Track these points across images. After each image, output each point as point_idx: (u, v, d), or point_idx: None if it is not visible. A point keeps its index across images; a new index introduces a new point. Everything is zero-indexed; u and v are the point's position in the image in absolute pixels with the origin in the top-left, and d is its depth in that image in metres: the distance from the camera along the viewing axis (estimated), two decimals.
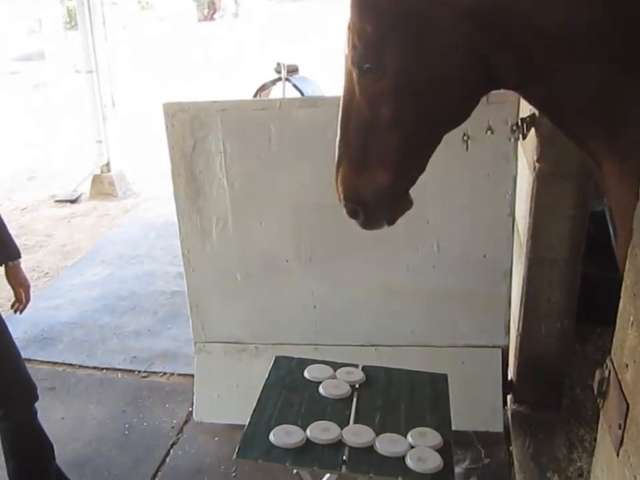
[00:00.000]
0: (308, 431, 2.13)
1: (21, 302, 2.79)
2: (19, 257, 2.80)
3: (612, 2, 1.41)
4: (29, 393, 2.75)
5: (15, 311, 2.81)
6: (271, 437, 2.11)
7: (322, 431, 2.13)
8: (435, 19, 1.54)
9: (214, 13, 25.38)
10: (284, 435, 2.11)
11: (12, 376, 2.71)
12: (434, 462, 2.02)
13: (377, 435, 2.14)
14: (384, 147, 1.71)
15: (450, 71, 1.60)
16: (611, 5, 1.40)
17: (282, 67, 6.78)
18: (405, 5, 1.55)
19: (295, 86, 6.80)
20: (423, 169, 1.78)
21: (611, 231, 2.91)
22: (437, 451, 2.08)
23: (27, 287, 2.81)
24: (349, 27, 1.64)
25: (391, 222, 1.89)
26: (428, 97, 1.64)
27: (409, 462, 2.01)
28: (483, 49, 1.56)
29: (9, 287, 2.74)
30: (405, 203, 1.85)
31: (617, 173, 1.38)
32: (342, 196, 1.82)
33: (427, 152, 1.76)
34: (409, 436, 2.13)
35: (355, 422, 2.23)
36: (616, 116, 1.45)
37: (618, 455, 1.16)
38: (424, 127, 1.71)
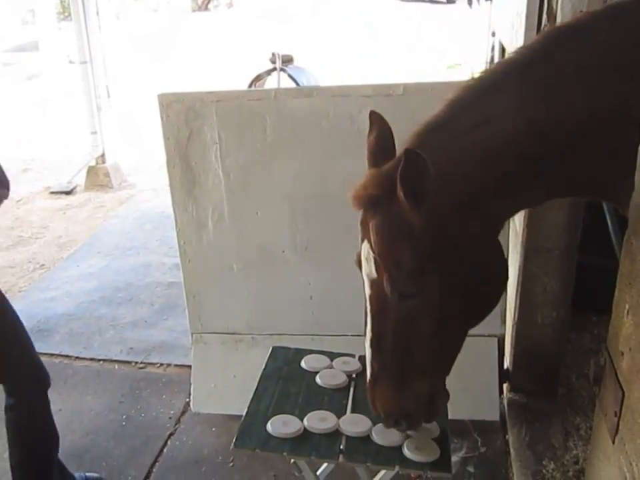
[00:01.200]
0: (305, 421, 2.13)
1: None
2: None
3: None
4: (42, 379, 2.76)
5: None
6: (269, 427, 2.11)
7: (319, 421, 2.14)
8: (465, 221, 1.57)
9: (208, 3, 25.24)
10: (281, 425, 2.12)
11: (25, 362, 2.71)
12: (431, 451, 2.02)
13: (374, 424, 2.14)
14: (422, 358, 1.70)
15: (483, 257, 1.63)
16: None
17: (277, 57, 6.77)
18: (439, 223, 1.55)
19: (290, 76, 6.79)
20: (455, 358, 1.79)
21: (609, 222, 2.92)
22: (433, 440, 2.08)
23: None
24: (379, 255, 1.60)
25: (434, 417, 1.91)
26: (470, 298, 1.65)
27: (406, 451, 2.02)
28: (504, 209, 1.66)
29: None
30: (445, 397, 1.87)
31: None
32: (382, 412, 1.81)
33: (462, 343, 1.78)
34: None
35: (352, 411, 2.23)
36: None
37: (614, 443, 1.17)
38: (462, 325, 1.73)
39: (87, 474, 3.04)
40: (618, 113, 1.48)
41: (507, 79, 1.56)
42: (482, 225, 1.60)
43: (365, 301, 1.71)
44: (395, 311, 1.63)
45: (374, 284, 1.65)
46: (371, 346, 1.72)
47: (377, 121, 1.75)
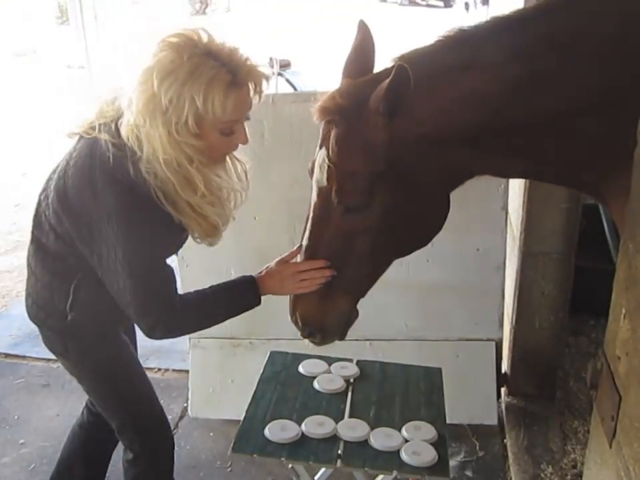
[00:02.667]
0: (303, 426, 2.13)
1: None
2: None
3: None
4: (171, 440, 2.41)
5: None
6: (266, 432, 2.11)
7: (317, 426, 2.13)
8: (426, 155, 1.57)
9: (206, 7, 25.29)
10: (279, 430, 2.12)
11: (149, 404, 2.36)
12: (429, 455, 2.02)
13: (372, 429, 2.14)
14: (351, 275, 1.75)
15: (434, 198, 1.67)
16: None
17: (274, 61, 6.77)
18: (398, 147, 1.56)
19: (287, 80, 6.80)
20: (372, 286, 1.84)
21: (605, 226, 2.93)
22: (431, 444, 2.08)
23: None
24: (333, 164, 1.63)
25: (343, 338, 1.94)
26: (409, 229, 1.70)
27: (404, 456, 2.02)
28: (466, 161, 1.62)
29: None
30: (355, 317, 1.90)
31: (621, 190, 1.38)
32: (300, 321, 1.86)
33: (383, 272, 1.84)
34: (403, 430, 2.14)
35: (350, 416, 2.23)
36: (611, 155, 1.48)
37: (611, 447, 1.17)
38: (393, 254, 1.78)
39: None
40: (604, 101, 1.46)
41: (495, 32, 1.54)
42: (440, 167, 1.61)
43: (309, 208, 1.75)
44: (336, 223, 1.67)
45: (322, 192, 1.69)
46: (305, 254, 1.78)
47: (362, 31, 1.75)
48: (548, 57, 1.47)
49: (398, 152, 1.57)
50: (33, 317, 2.20)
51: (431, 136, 1.56)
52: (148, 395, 2.32)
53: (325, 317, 1.83)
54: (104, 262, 1.86)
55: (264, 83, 1.83)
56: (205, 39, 1.73)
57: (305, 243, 1.80)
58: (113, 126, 1.85)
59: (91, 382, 2.27)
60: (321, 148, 1.71)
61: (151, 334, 1.96)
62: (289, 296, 1.95)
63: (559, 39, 1.47)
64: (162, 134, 1.71)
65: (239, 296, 2.09)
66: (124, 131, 1.79)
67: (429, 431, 2.14)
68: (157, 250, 1.90)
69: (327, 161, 1.65)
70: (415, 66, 1.49)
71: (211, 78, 1.67)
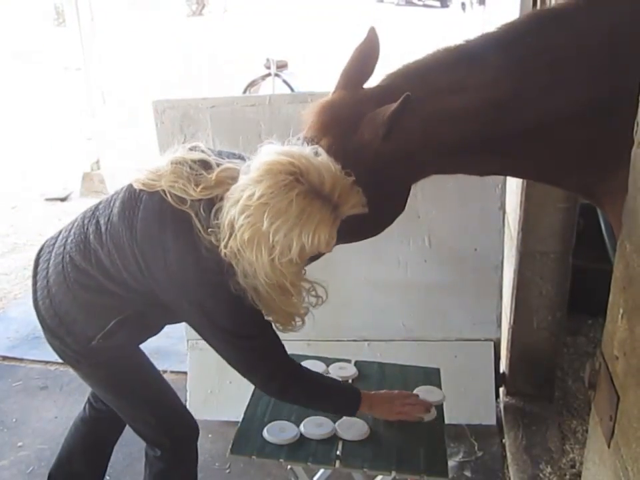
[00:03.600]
0: (302, 427, 2.13)
1: None
2: None
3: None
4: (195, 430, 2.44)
5: None
6: (265, 433, 2.11)
7: (316, 427, 2.13)
8: (404, 166, 1.69)
9: (203, 8, 25.28)
10: (278, 431, 2.12)
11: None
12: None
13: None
14: None
15: (398, 193, 1.78)
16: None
17: (271, 62, 6.77)
18: (384, 162, 1.66)
19: (284, 81, 6.79)
20: None
21: (602, 226, 2.93)
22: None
23: None
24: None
25: None
26: (370, 217, 1.74)
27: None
28: (450, 169, 1.78)
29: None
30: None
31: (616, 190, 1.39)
32: None
33: None
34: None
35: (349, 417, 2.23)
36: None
37: (609, 447, 1.17)
38: (352, 239, 1.92)
39: None
40: (592, 111, 1.49)
41: (484, 51, 1.59)
42: (416, 172, 1.73)
43: None
44: None
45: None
46: None
47: (370, 38, 1.81)
48: (536, 73, 1.52)
49: (380, 166, 1.67)
50: (50, 325, 2.12)
51: (417, 152, 1.65)
52: (167, 392, 2.38)
53: None
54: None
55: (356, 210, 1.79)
56: (314, 175, 1.69)
57: None
58: (205, 209, 1.83)
59: (105, 391, 2.31)
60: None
61: (272, 392, 2.11)
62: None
63: (547, 54, 1.52)
64: (265, 262, 1.73)
65: (344, 398, 2.14)
66: (222, 244, 1.77)
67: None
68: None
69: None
70: (403, 82, 1.62)
71: (319, 221, 1.68)
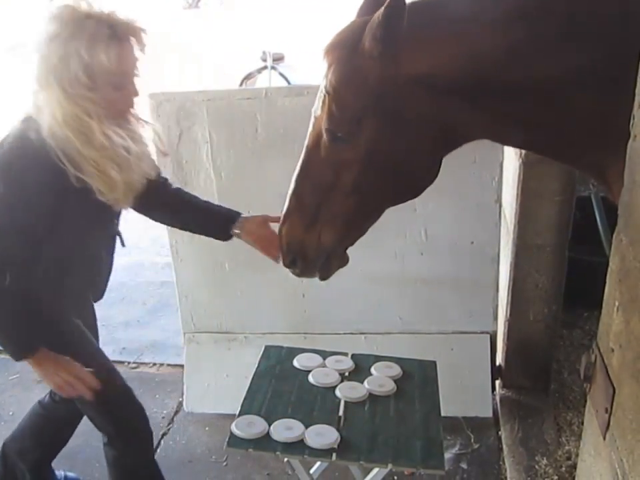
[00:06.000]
0: (271, 427, 2.11)
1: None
2: (239, 213, 2.45)
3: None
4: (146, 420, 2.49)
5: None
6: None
7: (284, 429, 2.11)
8: (417, 97, 1.56)
9: (199, 1, 25.19)
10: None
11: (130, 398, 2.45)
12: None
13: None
14: (336, 210, 1.75)
15: (419, 146, 1.64)
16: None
17: (268, 55, 6.75)
18: (390, 83, 1.56)
19: (281, 74, 6.76)
20: (364, 234, 1.85)
21: (598, 218, 2.92)
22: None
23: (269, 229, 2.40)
24: (328, 92, 1.64)
25: (325, 277, 1.96)
26: (392, 171, 1.68)
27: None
28: (463, 119, 1.59)
29: None
30: (341, 261, 1.92)
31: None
32: (284, 245, 1.87)
33: (374, 219, 1.83)
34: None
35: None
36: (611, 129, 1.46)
37: (605, 439, 1.18)
38: (379, 197, 1.76)
39: (67, 474, 3.02)
40: (606, 76, 1.43)
41: None
42: (434, 117, 1.60)
43: (307, 136, 1.78)
44: (324, 152, 1.70)
45: (316, 121, 1.72)
46: (296, 180, 1.79)
47: None
48: (549, 22, 1.45)
49: (389, 88, 1.57)
50: None
51: (426, 81, 1.55)
52: (107, 369, 2.37)
53: (306, 245, 1.83)
54: None
55: (143, 36, 2.03)
56: (84, 6, 1.91)
57: (297, 169, 1.80)
58: None
59: None
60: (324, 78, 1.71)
61: None
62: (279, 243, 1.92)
63: (562, 5, 1.46)
64: (58, 93, 1.90)
65: (14, 339, 2.11)
66: (27, 106, 2.02)
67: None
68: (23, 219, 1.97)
69: (323, 90, 1.67)
70: (419, 11, 1.51)
71: (92, 33, 1.87)
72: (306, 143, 1.77)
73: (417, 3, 1.57)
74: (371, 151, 1.64)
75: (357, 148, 1.64)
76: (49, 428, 2.72)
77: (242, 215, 2.42)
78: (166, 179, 2.52)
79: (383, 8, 1.47)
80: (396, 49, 1.52)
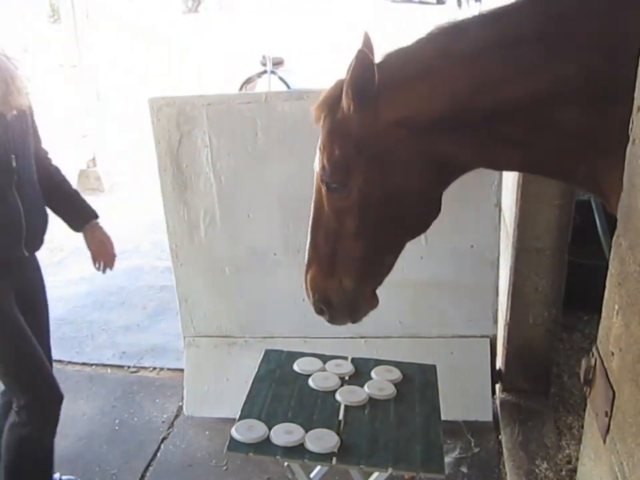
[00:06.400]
0: (271, 432, 2.11)
1: (105, 257, 2.86)
2: (97, 217, 2.88)
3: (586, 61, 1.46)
4: (58, 392, 2.62)
5: (102, 269, 2.89)
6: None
7: (285, 434, 2.11)
8: (398, 140, 1.65)
9: (198, 5, 25.22)
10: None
11: (44, 372, 2.60)
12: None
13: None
14: (349, 254, 1.84)
15: (411, 184, 1.72)
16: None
17: (267, 59, 6.76)
18: (371, 132, 1.66)
19: (280, 78, 6.78)
20: (388, 272, 1.93)
21: (598, 223, 2.93)
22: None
23: (110, 242, 2.88)
24: (319, 148, 1.76)
25: (356, 320, 2.02)
26: (390, 213, 1.76)
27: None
28: (451, 150, 1.66)
29: None
30: (371, 303, 1.98)
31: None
32: (311, 294, 1.96)
33: (391, 258, 1.91)
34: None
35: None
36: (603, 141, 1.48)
37: (605, 442, 1.18)
38: (386, 237, 1.84)
39: (63, 476, 3.02)
40: (585, 92, 1.47)
41: (474, 26, 1.60)
42: (422, 156, 1.67)
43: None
44: (326, 202, 1.80)
45: (316, 175, 1.83)
46: (310, 231, 1.89)
47: (365, 42, 1.82)
48: (521, 48, 1.50)
49: (370, 136, 1.66)
50: None
51: (405, 123, 1.62)
52: (31, 351, 2.51)
53: (329, 292, 1.91)
54: None
55: None
56: None
57: (310, 222, 1.90)
58: None
59: None
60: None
61: None
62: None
63: (532, 27, 1.50)
64: None
65: None
66: None
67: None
68: None
69: (319, 146, 1.78)
70: (393, 57, 1.63)
71: None
72: (313, 197, 1.87)
73: (391, 52, 1.68)
74: (364, 197, 1.73)
75: (351, 196, 1.73)
76: (31, 448, 2.65)
77: (95, 220, 2.83)
78: (47, 152, 2.79)
79: (351, 67, 1.57)
80: (370, 101, 1.62)
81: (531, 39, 1.49)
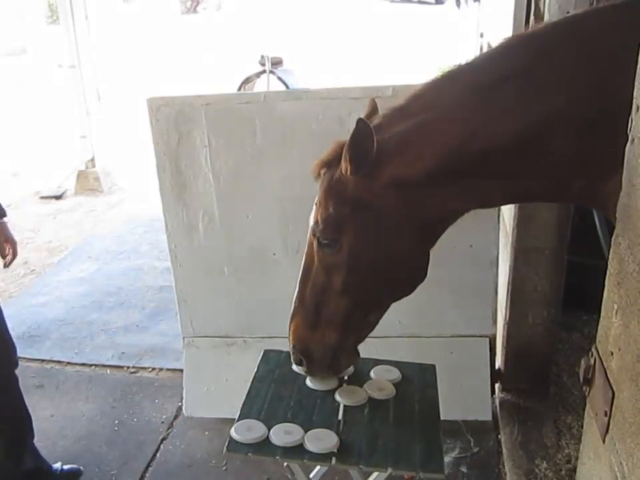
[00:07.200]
0: (271, 432, 2.11)
1: (5, 256, 2.95)
2: (4, 215, 3.00)
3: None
4: (10, 349, 2.80)
5: (5, 265, 2.97)
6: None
7: (284, 434, 2.11)
8: (391, 202, 1.71)
9: (197, 6, 25.23)
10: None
11: None
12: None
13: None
14: (333, 309, 1.88)
15: (401, 245, 1.78)
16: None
17: (266, 59, 6.76)
18: (366, 193, 1.72)
19: (279, 78, 6.78)
20: (371, 330, 1.97)
21: (597, 222, 2.93)
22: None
23: (13, 243, 2.98)
24: (316, 204, 1.83)
25: (336, 373, 2.09)
26: (379, 271, 1.81)
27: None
28: (443, 201, 1.72)
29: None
30: (351, 358, 2.03)
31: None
32: (291, 344, 1.98)
33: (375, 317, 1.95)
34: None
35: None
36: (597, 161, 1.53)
37: (604, 442, 1.18)
38: (372, 296, 1.89)
39: (64, 466, 3.06)
40: (570, 125, 1.52)
41: (457, 73, 1.68)
42: (413, 214, 1.73)
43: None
44: (316, 256, 1.86)
45: (311, 229, 1.89)
46: (298, 282, 1.94)
47: (371, 107, 1.93)
48: (502, 88, 1.56)
49: (365, 197, 1.73)
50: None
51: (400, 183, 1.68)
52: None
53: (311, 344, 1.96)
54: None
55: None
56: None
57: (299, 273, 1.94)
58: None
59: None
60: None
61: None
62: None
63: (521, 64, 1.56)
64: None
65: None
66: None
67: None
68: None
69: (315, 201, 1.85)
70: (388, 119, 1.71)
71: None
72: (305, 250, 1.93)
73: (387, 113, 1.75)
74: (354, 255, 1.79)
75: (341, 253, 1.80)
76: None
77: (3, 219, 2.97)
78: None
79: (352, 133, 1.64)
80: (367, 167, 1.68)
81: (518, 77, 1.55)
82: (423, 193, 1.69)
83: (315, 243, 1.85)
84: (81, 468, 3.11)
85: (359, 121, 1.62)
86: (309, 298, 1.90)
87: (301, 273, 1.93)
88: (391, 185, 1.68)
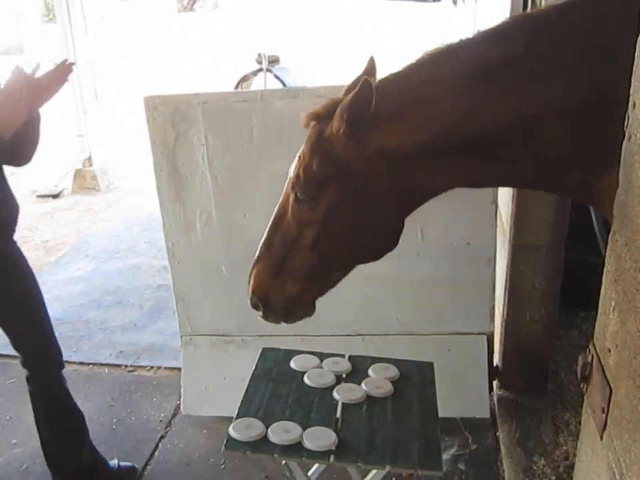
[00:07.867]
0: (269, 430, 2.11)
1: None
2: None
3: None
4: (55, 353, 2.81)
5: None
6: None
7: (282, 432, 2.11)
8: (378, 169, 1.69)
9: (194, 4, 25.20)
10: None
11: (35, 335, 2.76)
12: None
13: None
14: (299, 262, 1.88)
15: (379, 213, 1.77)
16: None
17: (263, 57, 6.75)
18: (354, 157, 1.70)
19: (276, 76, 6.77)
20: (332, 287, 1.97)
21: (594, 220, 2.93)
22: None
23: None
24: (299, 157, 1.81)
25: (289, 322, 2.09)
26: (351, 235, 1.81)
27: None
28: (429, 177, 1.71)
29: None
30: (308, 311, 2.03)
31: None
32: (250, 289, 1.98)
33: (339, 275, 1.94)
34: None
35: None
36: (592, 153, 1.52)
37: (602, 439, 1.18)
38: (340, 256, 1.88)
39: (121, 463, 3.09)
40: (569, 109, 1.50)
41: (458, 47, 1.64)
42: (399, 182, 1.71)
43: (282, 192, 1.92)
44: (290, 209, 1.84)
45: (289, 181, 1.87)
46: (267, 230, 1.94)
47: (370, 65, 1.91)
48: (508, 67, 1.53)
49: (352, 161, 1.70)
50: None
51: (393, 150, 1.65)
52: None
53: (270, 292, 1.95)
54: None
55: None
56: None
57: (269, 222, 1.94)
58: None
59: None
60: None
61: None
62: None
63: (521, 47, 1.53)
64: None
65: None
66: None
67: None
68: None
69: (299, 154, 1.83)
70: (385, 84, 1.67)
71: None
72: (280, 200, 1.91)
73: (383, 79, 1.71)
74: (330, 215, 1.77)
75: (317, 211, 1.78)
76: (47, 401, 2.84)
77: None
78: None
79: (352, 93, 1.61)
80: (361, 129, 1.65)
81: (520, 59, 1.52)
82: (412, 165, 1.67)
83: (292, 197, 1.82)
84: (136, 465, 3.14)
85: (365, 81, 1.58)
86: (276, 247, 1.90)
87: (271, 221, 1.92)
88: (380, 153, 1.66)
